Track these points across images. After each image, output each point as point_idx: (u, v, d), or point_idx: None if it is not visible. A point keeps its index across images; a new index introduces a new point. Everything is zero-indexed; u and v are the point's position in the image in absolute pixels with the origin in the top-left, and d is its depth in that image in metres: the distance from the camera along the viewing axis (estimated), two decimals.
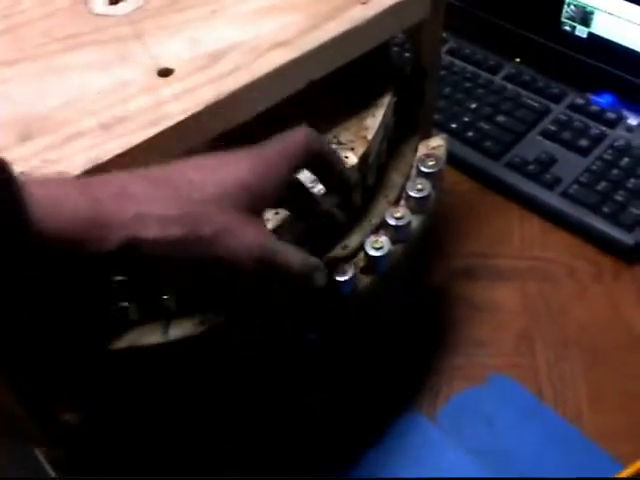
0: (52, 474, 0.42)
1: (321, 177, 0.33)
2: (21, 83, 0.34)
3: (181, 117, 0.31)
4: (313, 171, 0.33)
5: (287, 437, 0.42)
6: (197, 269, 0.28)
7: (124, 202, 0.26)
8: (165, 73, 0.34)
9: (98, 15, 0.38)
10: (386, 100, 0.40)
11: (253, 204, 0.29)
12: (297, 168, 0.31)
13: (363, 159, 0.37)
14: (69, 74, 0.35)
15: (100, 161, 0.29)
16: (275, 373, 0.39)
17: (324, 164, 0.32)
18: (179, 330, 0.34)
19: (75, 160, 0.29)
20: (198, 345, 0.34)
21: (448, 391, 0.46)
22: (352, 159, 0.37)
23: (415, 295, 0.50)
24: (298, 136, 0.31)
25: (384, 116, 0.39)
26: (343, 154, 0.37)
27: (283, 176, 0.30)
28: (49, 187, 0.25)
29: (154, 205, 0.26)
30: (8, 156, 0.30)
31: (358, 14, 0.36)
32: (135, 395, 0.37)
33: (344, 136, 0.38)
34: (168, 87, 0.33)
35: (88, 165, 0.29)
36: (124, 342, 0.33)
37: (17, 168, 0.29)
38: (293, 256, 0.30)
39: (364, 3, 0.37)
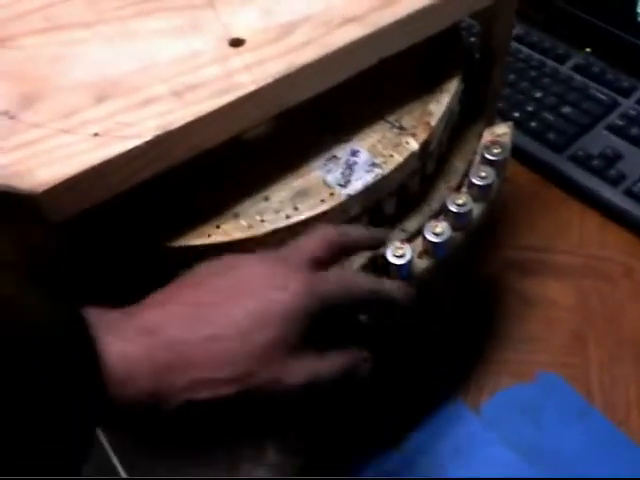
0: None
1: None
2: (97, 46, 0.35)
3: (251, 88, 0.31)
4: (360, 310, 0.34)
5: (330, 416, 0.42)
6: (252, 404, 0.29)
7: (180, 371, 0.27)
8: (236, 43, 0.34)
9: None
10: (453, 86, 0.39)
11: (299, 338, 0.29)
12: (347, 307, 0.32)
13: (424, 146, 0.37)
14: (142, 39, 0.35)
15: (171, 127, 0.30)
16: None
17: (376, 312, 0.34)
18: None
19: (147, 124, 0.30)
20: None
21: (494, 385, 0.45)
22: (413, 145, 0.36)
23: (468, 284, 0.49)
24: (361, 280, 0.32)
25: (449, 103, 0.38)
26: (404, 139, 0.36)
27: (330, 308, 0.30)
28: (120, 348, 0.26)
29: (206, 369, 0.27)
30: (84, 116, 0.31)
31: None
32: None
33: (406, 120, 0.38)
34: (239, 57, 0.33)
35: (159, 131, 0.29)
36: None
37: (93, 128, 0.30)
38: (335, 373, 0.30)
39: None
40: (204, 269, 0.30)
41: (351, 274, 0.34)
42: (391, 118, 0.38)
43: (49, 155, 0.29)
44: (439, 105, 0.38)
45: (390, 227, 0.38)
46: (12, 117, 0.31)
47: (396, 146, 0.36)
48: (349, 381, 0.32)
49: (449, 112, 0.38)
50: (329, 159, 0.36)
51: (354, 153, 0.36)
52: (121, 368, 0.26)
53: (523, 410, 0.44)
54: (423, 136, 0.36)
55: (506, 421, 0.44)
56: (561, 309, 0.49)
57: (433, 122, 0.37)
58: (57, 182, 0.28)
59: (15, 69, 0.34)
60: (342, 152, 0.36)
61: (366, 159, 0.36)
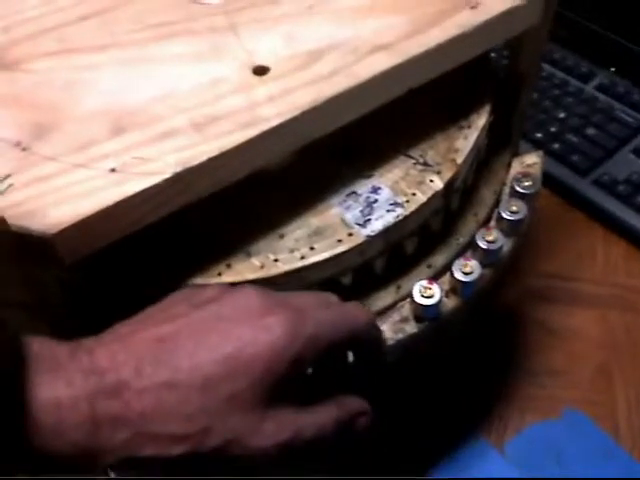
0: None
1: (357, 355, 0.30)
2: (111, 71, 0.33)
3: (276, 121, 0.30)
4: (351, 350, 0.30)
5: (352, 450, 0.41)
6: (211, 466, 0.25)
7: (123, 423, 0.23)
8: (260, 71, 0.32)
9: (192, 3, 0.36)
10: (481, 121, 0.37)
11: (277, 389, 0.25)
12: (340, 347, 0.28)
13: (449, 185, 0.34)
14: (160, 65, 0.33)
15: (192, 163, 0.28)
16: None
17: (368, 352, 0.30)
18: None
19: (167, 160, 0.28)
20: None
21: (518, 422, 0.44)
22: (437, 184, 0.34)
23: (489, 313, 0.48)
24: (361, 315, 0.28)
25: (477, 139, 0.36)
26: (428, 177, 0.34)
27: (321, 351, 0.26)
28: (54, 393, 0.23)
29: (154, 421, 0.23)
30: (101, 149, 0.29)
31: (465, 20, 0.34)
32: None
33: (431, 156, 0.36)
34: (263, 87, 0.31)
35: (179, 167, 0.28)
36: None
37: (109, 163, 0.28)
38: (325, 430, 0.26)
39: (473, 7, 0.34)
40: (182, 297, 0.27)
41: (350, 306, 0.29)
42: (415, 153, 0.36)
43: (63, 192, 0.28)
44: (466, 142, 0.36)
45: (414, 264, 0.36)
46: (25, 149, 0.30)
47: (419, 184, 0.34)
48: (345, 438, 0.27)
49: (476, 148, 0.36)
50: (348, 195, 0.34)
51: (375, 190, 0.34)
52: (51, 416, 0.22)
53: (548, 449, 0.42)
54: (448, 174, 0.34)
55: (530, 460, 0.42)
56: (586, 341, 0.47)
57: (459, 159, 0.35)
58: (71, 222, 0.26)
59: (27, 95, 0.32)
60: (362, 188, 0.34)
61: (387, 197, 0.34)
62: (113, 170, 0.28)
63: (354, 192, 0.34)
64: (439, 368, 0.43)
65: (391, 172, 0.35)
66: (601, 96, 0.60)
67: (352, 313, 0.28)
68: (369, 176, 0.35)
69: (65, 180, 0.28)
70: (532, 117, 0.59)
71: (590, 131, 0.57)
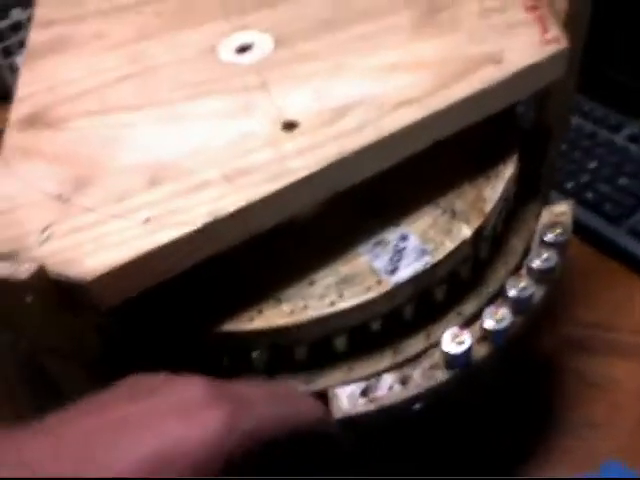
0: None
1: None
2: (147, 128, 0.35)
3: (303, 173, 0.30)
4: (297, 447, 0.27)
5: None
6: None
7: None
8: (289, 126, 0.33)
9: (224, 64, 0.38)
10: (508, 171, 0.37)
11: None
12: (284, 445, 0.26)
13: (477, 233, 0.35)
14: (194, 122, 0.35)
15: (222, 213, 0.29)
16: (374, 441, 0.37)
17: (316, 450, 0.28)
18: None
19: (199, 211, 0.29)
20: None
21: (556, 475, 0.42)
22: (465, 232, 0.34)
23: (525, 365, 0.47)
24: (311, 411, 0.27)
25: (505, 188, 0.37)
26: (456, 226, 0.35)
27: (260, 447, 0.24)
28: None
29: None
30: (136, 201, 0.30)
31: (490, 75, 0.34)
32: None
33: (459, 205, 0.36)
34: (292, 141, 0.32)
35: (210, 217, 0.29)
36: None
37: (144, 213, 0.29)
38: None
39: (497, 62, 0.35)
40: (125, 387, 0.25)
41: (302, 402, 0.28)
42: (443, 202, 0.36)
43: (100, 241, 0.29)
44: (494, 191, 0.36)
45: (443, 311, 0.36)
46: (65, 201, 0.31)
47: (448, 232, 0.34)
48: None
49: (504, 198, 0.37)
50: (377, 243, 0.35)
51: (403, 238, 0.35)
52: None
53: None
54: (476, 223, 0.35)
55: None
56: (626, 392, 0.46)
57: (487, 208, 0.35)
58: (106, 270, 0.27)
59: (68, 151, 0.34)
60: (391, 236, 0.35)
61: (415, 245, 0.34)
62: (147, 220, 0.29)
63: (382, 240, 0.35)
64: (473, 418, 0.42)
65: (419, 221, 0.35)
66: (632, 146, 0.60)
67: (301, 409, 0.27)
68: (397, 224, 0.35)
69: (102, 230, 0.29)
70: (563, 168, 0.59)
71: (622, 180, 0.57)
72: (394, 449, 0.39)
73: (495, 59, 0.35)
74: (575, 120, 0.63)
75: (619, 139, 0.61)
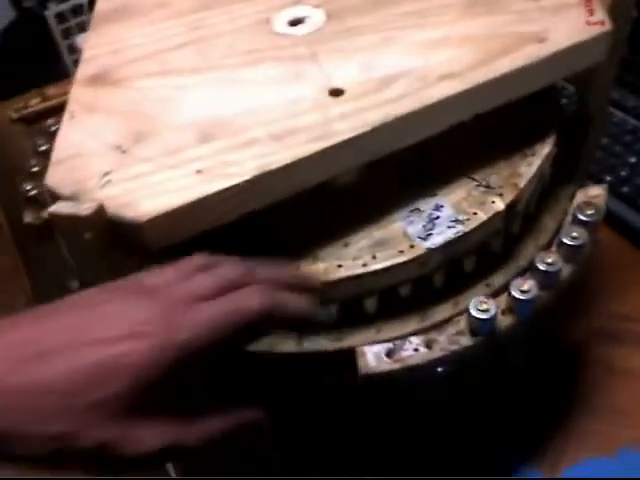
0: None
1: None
2: (204, 90, 0.37)
3: (347, 135, 0.32)
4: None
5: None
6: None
7: None
8: (336, 93, 0.35)
9: (278, 34, 0.40)
10: (545, 149, 0.38)
11: (151, 398, 0.25)
12: (229, 343, 0.26)
13: (510, 207, 0.36)
14: (247, 86, 0.37)
15: (270, 168, 0.31)
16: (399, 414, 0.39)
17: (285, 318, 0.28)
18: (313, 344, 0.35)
19: (248, 165, 0.31)
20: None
21: (574, 456, 0.43)
22: (499, 205, 0.36)
23: (554, 349, 0.48)
24: (250, 301, 0.26)
25: (540, 166, 0.38)
26: (490, 198, 0.36)
27: (202, 354, 0.25)
28: None
29: (20, 421, 0.23)
30: (189, 153, 0.32)
31: (533, 52, 0.36)
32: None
33: (494, 180, 0.37)
34: (338, 106, 0.34)
35: (258, 171, 0.31)
36: (263, 346, 0.34)
37: (196, 165, 0.32)
38: (210, 440, 0.26)
39: (540, 41, 0.36)
40: (75, 297, 0.27)
41: (238, 297, 0.27)
42: (478, 176, 0.37)
43: (154, 188, 0.31)
44: (530, 167, 0.37)
45: (472, 282, 0.37)
46: (124, 151, 0.33)
47: (481, 204, 0.36)
48: (244, 447, 0.27)
49: (539, 175, 0.38)
50: (412, 211, 0.36)
51: (438, 207, 0.36)
52: None
53: None
54: (510, 197, 0.36)
55: None
56: None
57: (522, 184, 0.36)
58: (159, 213, 0.30)
59: (129, 108, 0.37)
60: (426, 205, 0.36)
61: (449, 214, 0.36)
62: (199, 172, 0.31)
63: (417, 208, 0.36)
64: (499, 394, 0.43)
65: (454, 192, 0.37)
66: None
67: (240, 304, 0.26)
68: (433, 195, 0.37)
69: (156, 178, 0.32)
70: (603, 161, 0.59)
71: None
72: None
73: (540, 38, 0.36)
74: (618, 115, 0.63)
75: None
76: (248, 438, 0.27)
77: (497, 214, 0.35)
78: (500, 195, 0.36)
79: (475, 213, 0.35)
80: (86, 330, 0.25)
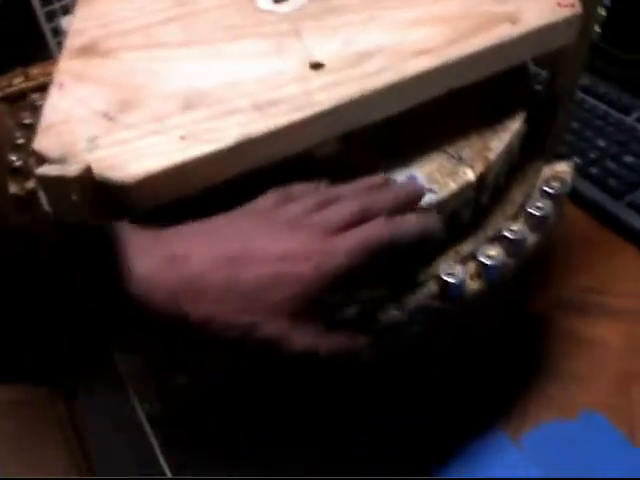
0: (148, 429, 0.45)
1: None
2: (188, 63, 0.38)
3: (327, 106, 0.34)
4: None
5: (368, 441, 0.43)
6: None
7: (197, 302, 0.29)
8: (316, 66, 0.37)
9: (262, 11, 0.42)
10: (515, 125, 0.40)
11: (312, 302, 0.30)
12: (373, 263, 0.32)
13: (481, 178, 0.38)
14: (230, 60, 0.38)
15: (251, 135, 0.32)
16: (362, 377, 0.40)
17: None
18: None
19: (229, 132, 0.33)
20: None
21: (536, 418, 0.45)
22: (469, 176, 0.38)
23: (519, 318, 0.50)
24: (381, 230, 0.31)
25: (510, 141, 0.40)
26: (461, 169, 0.38)
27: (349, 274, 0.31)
28: (144, 272, 0.29)
29: (221, 309, 0.29)
30: (173, 121, 0.34)
31: (504, 32, 0.38)
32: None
33: (466, 152, 0.39)
34: (318, 79, 0.36)
35: (240, 138, 0.32)
36: None
37: (180, 131, 0.33)
38: (334, 353, 0.31)
39: (513, 22, 0.38)
40: (261, 205, 0.33)
41: (371, 227, 0.32)
42: (451, 150, 0.39)
43: (141, 152, 0.32)
44: (500, 142, 0.39)
45: (442, 249, 0.39)
46: (111, 119, 0.35)
47: (452, 175, 0.38)
48: (346, 366, 0.33)
49: (509, 149, 0.40)
50: None
51: (411, 177, 0.38)
52: (143, 288, 0.28)
53: (564, 445, 0.44)
54: (480, 168, 0.38)
55: (546, 454, 0.44)
56: (610, 351, 0.49)
57: (492, 157, 0.38)
58: (146, 175, 0.31)
59: (116, 78, 0.38)
60: (399, 176, 0.38)
61: (422, 184, 0.37)
62: (183, 137, 0.33)
63: (392, 179, 0.38)
64: (466, 359, 0.45)
65: (427, 164, 0.39)
66: None
67: (372, 233, 0.31)
68: (407, 165, 0.39)
69: (142, 143, 0.33)
70: (574, 144, 0.61)
71: (628, 158, 0.59)
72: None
73: (512, 18, 0.38)
74: (589, 101, 0.66)
75: (630, 120, 0.63)
76: (360, 358, 0.33)
77: (468, 184, 0.37)
78: (471, 167, 0.38)
79: (446, 184, 0.37)
80: (261, 248, 0.30)
